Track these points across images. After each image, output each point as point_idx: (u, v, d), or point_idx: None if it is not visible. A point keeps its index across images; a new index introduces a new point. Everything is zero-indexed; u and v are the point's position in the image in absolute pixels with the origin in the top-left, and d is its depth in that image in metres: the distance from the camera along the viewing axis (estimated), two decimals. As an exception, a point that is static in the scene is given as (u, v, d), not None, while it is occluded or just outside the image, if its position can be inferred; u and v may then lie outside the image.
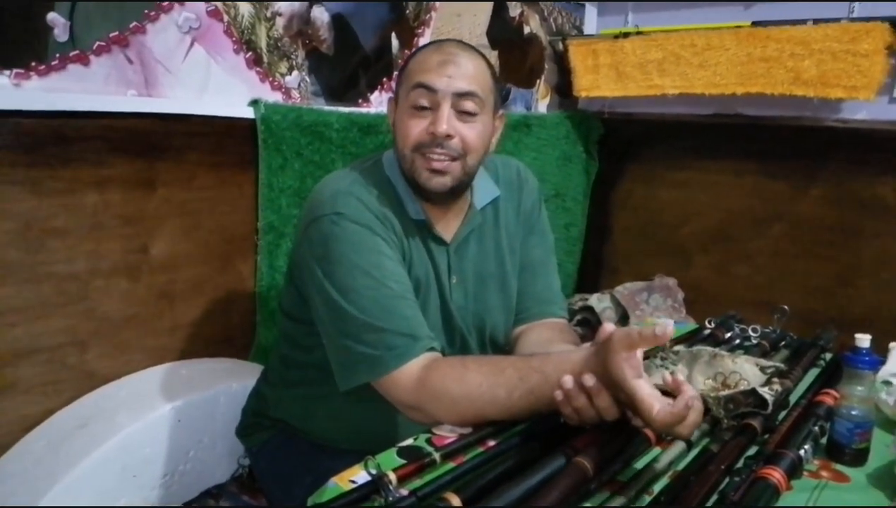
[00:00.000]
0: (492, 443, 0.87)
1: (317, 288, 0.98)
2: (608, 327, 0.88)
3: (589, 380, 0.80)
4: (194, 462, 1.27)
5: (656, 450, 0.86)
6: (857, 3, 1.84)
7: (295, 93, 1.58)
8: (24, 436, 1.20)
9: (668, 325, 0.76)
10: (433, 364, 0.92)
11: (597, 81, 2.17)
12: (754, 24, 1.89)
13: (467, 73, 0.99)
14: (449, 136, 0.98)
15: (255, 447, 1.20)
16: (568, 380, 0.81)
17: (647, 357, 0.98)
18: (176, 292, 1.41)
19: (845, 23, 1.75)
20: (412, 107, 1.00)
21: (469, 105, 0.99)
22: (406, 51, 1.80)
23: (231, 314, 1.51)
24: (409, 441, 0.88)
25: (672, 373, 0.87)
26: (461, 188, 1.05)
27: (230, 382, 1.32)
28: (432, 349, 0.95)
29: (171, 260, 1.39)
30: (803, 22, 1.80)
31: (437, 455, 0.81)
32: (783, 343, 1.26)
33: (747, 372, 0.96)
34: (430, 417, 0.92)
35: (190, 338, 1.44)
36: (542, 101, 2.30)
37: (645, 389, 0.77)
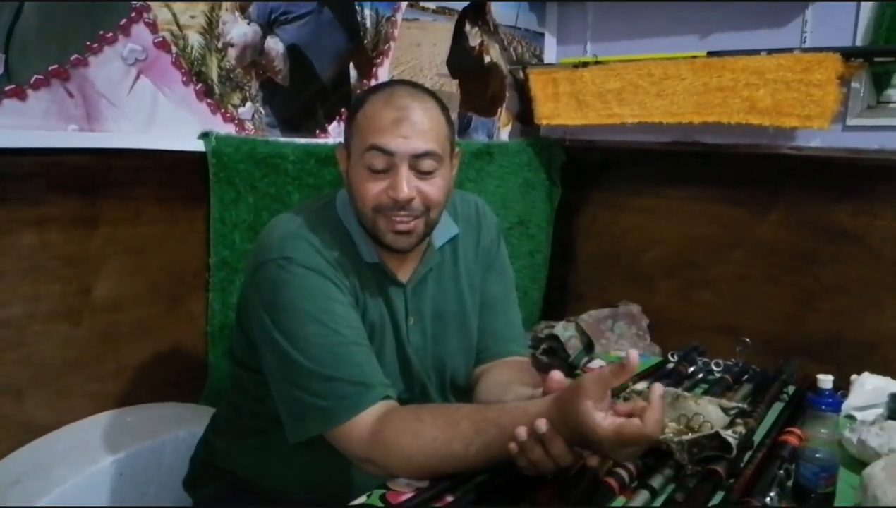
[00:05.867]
0: (450, 499, 0.82)
1: (265, 336, 0.94)
2: (556, 375, 0.87)
3: (542, 426, 0.77)
4: (138, 517, 1.20)
5: (621, 499, 0.83)
6: (808, 33, 1.88)
7: (249, 125, 1.54)
8: (-49, 495, 1.12)
9: (632, 353, 0.76)
10: (387, 415, 0.88)
11: (557, 110, 2.18)
12: (710, 53, 1.91)
13: (423, 129, 0.94)
14: (410, 199, 0.94)
15: (204, 499, 1.13)
16: (522, 432, 0.78)
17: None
18: (121, 334, 1.34)
19: (798, 53, 1.78)
20: (368, 169, 0.95)
21: (428, 164, 0.95)
22: (365, 81, 1.77)
23: (181, 355, 1.44)
24: (361, 500, 0.83)
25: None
26: (424, 240, 1.03)
27: (178, 430, 1.25)
28: (387, 397, 0.91)
29: (115, 301, 1.32)
30: (757, 52, 1.83)
31: (390, 516, 0.77)
32: (746, 377, 1.25)
33: (710, 413, 0.94)
34: (384, 470, 0.88)
35: (136, 382, 1.37)
36: (503, 129, 2.29)
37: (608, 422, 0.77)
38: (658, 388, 0.79)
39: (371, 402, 0.89)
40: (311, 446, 0.92)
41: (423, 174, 0.96)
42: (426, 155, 0.95)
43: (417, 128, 0.94)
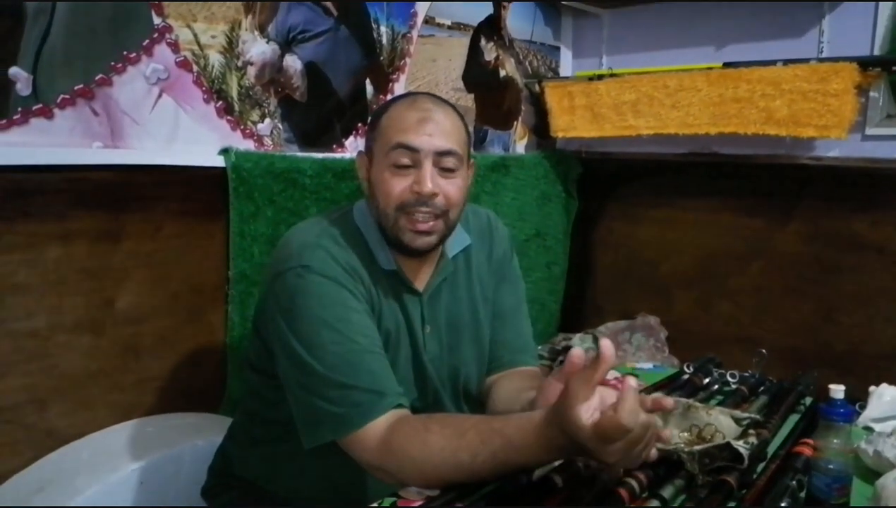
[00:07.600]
0: (459, 507, 0.83)
1: (281, 343, 0.96)
2: (576, 352, 0.83)
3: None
4: (158, 525, 1.22)
5: (631, 510, 0.83)
6: (825, 43, 1.87)
7: (267, 141, 1.57)
8: (-22, 502, 1.15)
9: (604, 342, 0.76)
10: (397, 424, 0.89)
11: (573, 122, 2.18)
12: (725, 65, 1.91)
13: (446, 129, 0.99)
14: (434, 194, 0.97)
15: (221, 508, 1.16)
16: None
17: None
18: (142, 345, 1.37)
19: (814, 63, 1.77)
20: (393, 166, 0.98)
21: (449, 162, 0.99)
22: (381, 96, 1.80)
23: (201, 366, 1.47)
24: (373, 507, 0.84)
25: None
26: (441, 243, 1.05)
27: (196, 439, 1.27)
28: (400, 405, 0.93)
29: (137, 313, 1.35)
30: (773, 63, 1.82)
31: (400, 524, 0.78)
32: (762, 388, 1.24)
33: (722, 423, 0.94)
34: (394, 478, 0.89)
35: (157, 393, 1.40)
36: (519, 142, 2.30)
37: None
38: (630, 380, 0.78)
39: (384, 410, 0.90)
40: (325, 453, 0.94)
41: (445, 172, 0.99)
42: (449, 153, 0.99)
43: (441, 127, 0.99)
